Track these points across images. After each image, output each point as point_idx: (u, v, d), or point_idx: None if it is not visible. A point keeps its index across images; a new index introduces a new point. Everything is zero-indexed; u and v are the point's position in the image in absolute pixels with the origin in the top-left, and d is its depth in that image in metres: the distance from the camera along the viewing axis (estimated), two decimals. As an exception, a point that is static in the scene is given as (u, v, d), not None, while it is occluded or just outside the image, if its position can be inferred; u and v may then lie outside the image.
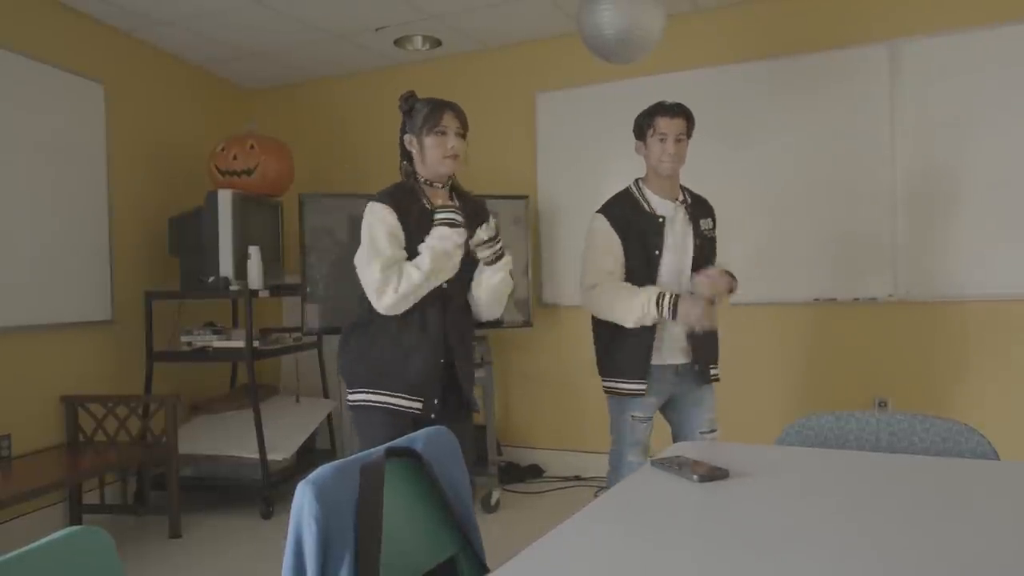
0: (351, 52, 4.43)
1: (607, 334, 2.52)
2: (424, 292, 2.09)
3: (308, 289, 3.86)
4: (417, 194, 2.17)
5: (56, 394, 3.58)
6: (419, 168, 2.18)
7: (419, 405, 2.16)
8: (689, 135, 2.48)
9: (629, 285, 2.44)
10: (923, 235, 3.56)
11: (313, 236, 3.88)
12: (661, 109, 2.45)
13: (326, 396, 4.54)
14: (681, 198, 2.53)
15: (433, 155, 2.14)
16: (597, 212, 2.54)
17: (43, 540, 0.86)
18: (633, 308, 2.38)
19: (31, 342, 3.48)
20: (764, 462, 1.51)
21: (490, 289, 2.21)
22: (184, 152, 4.45)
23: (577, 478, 4.18)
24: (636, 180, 2.56)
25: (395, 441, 1.29)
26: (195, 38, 4.15)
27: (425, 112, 2.15)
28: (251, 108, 5.00)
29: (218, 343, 3.92)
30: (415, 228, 2.12)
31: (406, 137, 2.19)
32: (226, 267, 3.84)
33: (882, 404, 3.64)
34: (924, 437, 1.60)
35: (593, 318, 2.57)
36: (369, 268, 2.08)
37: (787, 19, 3.81)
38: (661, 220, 2.46)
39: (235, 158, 4.09)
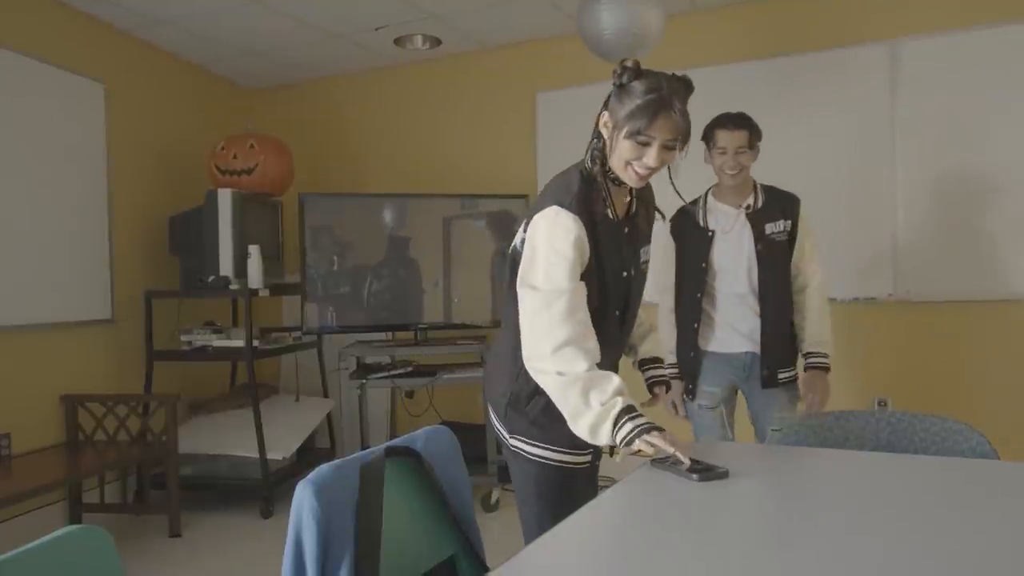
0: (351, 51, 4.43)
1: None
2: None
3: (308, 288, 3.86)
4: (601, 195, 1.67)
5: (56, 393, 3.58)
6: (610, 158, 1.66)
7: (588, 457, 1.74)
8: (752, 145, 2.48)
9: (667, 324, 2.63)
10: (923, 235, 3.56)
11: (313, 235, 3.88)
12: (721, 122, 2.47)
13: (326, 395, 4.54)
14: (749, 203, 2.54)
15: (617, 163, 1.64)
16: (669, 220, 2.54)
17: (43, 539, 0.86)
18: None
19: (31, 341, 3.48)
20: (764, 461, 1.51)
21: None
22: (184, 151, 4.45)
23: (577, 478, 4.17)
24: (709, 188, 2.62)
25: (394, 440, 1.29)
26: (195, 38, 4.15)
27: (636, 105, 1.58)
28: (251, 107, 5.00)
29: (218, 342, 3.92)
30: (601, 240, 1.64)
31: (604, 114, 1.67)
32: (226, 266, 3.83)
33: (882, 403, 3.64)
34: (924, 436, 1.60)
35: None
36: (548, 313, 1.55)
37: (786, 18, 3.81)
38: (711, 235, 2.54)
39: (235, 157, 4.09)
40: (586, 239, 1.60)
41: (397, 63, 4.65)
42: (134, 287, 4.00)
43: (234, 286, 3.82)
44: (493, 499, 3.72)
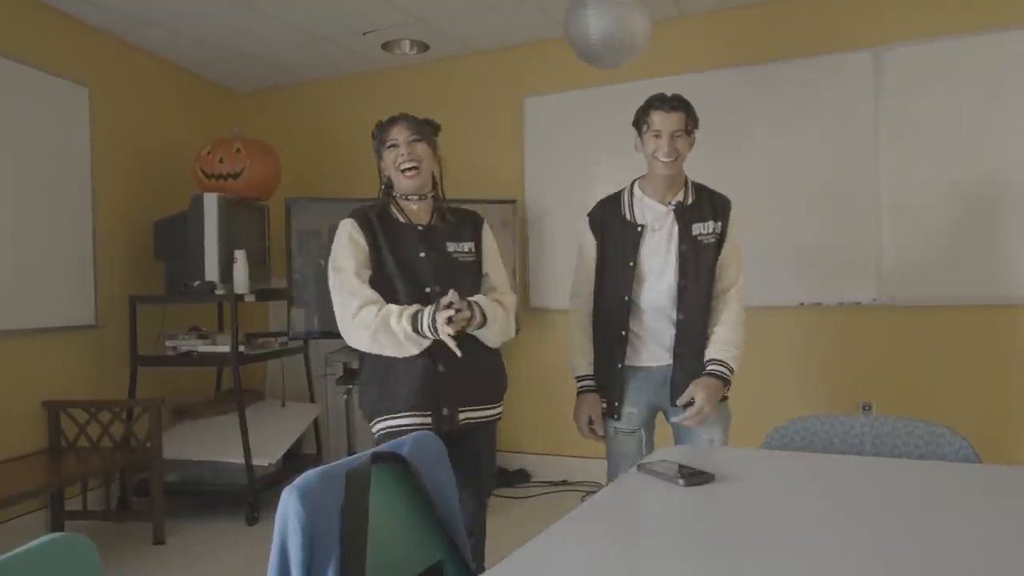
0: (339, 56, 4.42)
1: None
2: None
3: (294, 293, 3.84)
4: (386, 206, 2.18)
5: (38, 399, 3.54)
6: (394, 185, 2.20)
7: (427, 420, 2.05)
8: (689, 131, 2.27)
9: (584, 332, 2.41)
10: (907, 240, 3.59)
11: (299, 240, 3.86)
12: (656, 102, 2.26)
13: (312, 401, 4.52)
14: (680, 199, 2.33)
15: (392, 171, 2.16)
16: (588, 214, 2.44)
17: (24, 547, 0.85)
18: (574, 366, 2.40)
19: (13, 346, 3.44)
20: (749, 466, 1.52)
21: (483, 338, 2.13)
22: (170, 155, 4.42)
23: (564, 483, 4.18)
24: (635, 180, 2.41)
25: (380, 446, 1.29)
26: (181, 41, 4.13)
27: (378, 132, 2.19)
28: (238, 111, 4.98)
29: (203, 347, 3.89)
30: (385, 241, 2.12)
31: (379, 163, 2.22)
32: (211, 271, 3.81)
33: (866, 408, 3.66)
34: (907, 440, 1.61)
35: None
36: (340, 294, 2.08)
37: (772, 24, 3.84)
38: (639, 229, 2.31)
39: (221, 161, 4.07)
40: (360, 233, 2.10)
41: (385, 67, 4.65)
42: (118, 292, 3.96)
43: (220, 291, 3.80)
44: (480, 504, 3.71)
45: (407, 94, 4.63)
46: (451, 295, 1.96)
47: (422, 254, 2.13)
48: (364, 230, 2.11)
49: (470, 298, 2.04)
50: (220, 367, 4.50)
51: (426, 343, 2.00)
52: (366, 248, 2.10)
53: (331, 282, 2.10)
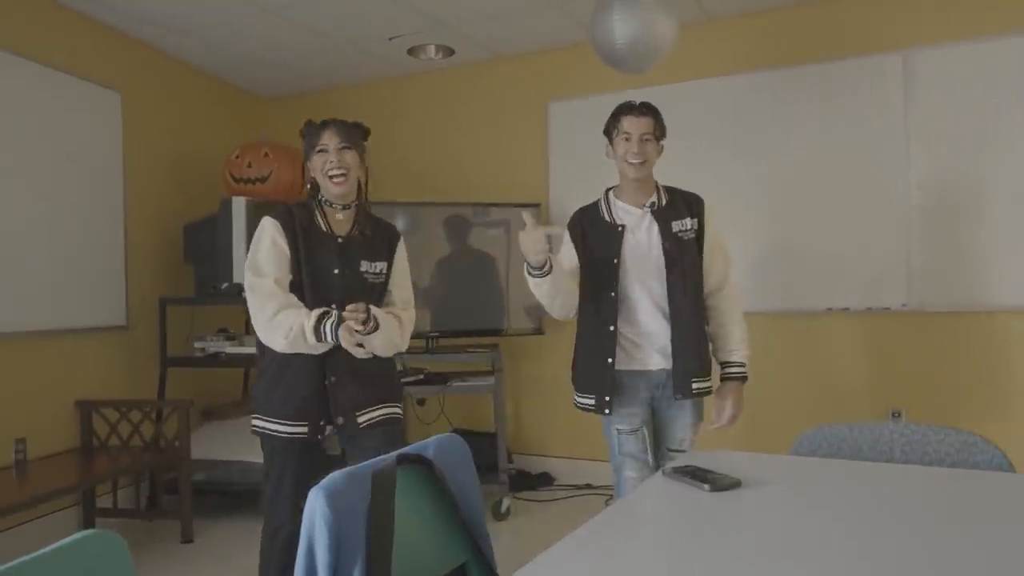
0: (365, 61, 4.46)
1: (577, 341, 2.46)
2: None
3: (320, 296, 3.87)
4: (311, 211, 2.20)
5: (71, 398, 3.61)
6: (320, 188, 2.21)
7: (303, 430, 2.17)
8: (657, 136, 2.32)
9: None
10: (937, 245, 3.53)
11: (326, 243, 3.90)
12: (625, 108, 2.33)
13: (338, 403, 4.55)
14: (653, 201, 2.37)
15: (319, 176, 2.17)
16: (567, 226, 2.50)
17: (57, 544, 0.87)
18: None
19: (47, 347, 3.51)
20: (777, 472, 1.50)
21: (370, 346, 2.16)
22: (199, 160, 4.49)
23: (588, 486, 4.16)
24: (609, 189, 2.47)
25: (406, 448, 1.30)
26: (210, 47, 4.19)
27: (308, 134, 2.19)
28: (266, 116, 5.04)
29: (231, 349, 3.94)
30: (305, 245, 2.15)
31: (307, 165, 2.23)
32: (240, 274, 3.86)
33: (896, 415, 3.61)
34: (938, 448, 1.58)
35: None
36: (257, 299, 2.11)
37: (799, 28, 3.81)
38: (620, 228, 2.35)
39: (250, 165, 4.12)
40: (282, 234, 2.12)
41: (411, 73, 4.68)
42: (149, 294, 4.03)
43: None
44: (504, 507, 3.71)
45: (432, 99, 4.66)
46: (353, 312, 2.05)
47: (336, 271, 2.18)
48: (287, 232, 2.14)
49: (370, 307, 2.13)
50: (247, 368, 4.55)
51: (329, 345, 2.08)
52: (287, 252, 2.14)
53: (248, 282, 2.12)
